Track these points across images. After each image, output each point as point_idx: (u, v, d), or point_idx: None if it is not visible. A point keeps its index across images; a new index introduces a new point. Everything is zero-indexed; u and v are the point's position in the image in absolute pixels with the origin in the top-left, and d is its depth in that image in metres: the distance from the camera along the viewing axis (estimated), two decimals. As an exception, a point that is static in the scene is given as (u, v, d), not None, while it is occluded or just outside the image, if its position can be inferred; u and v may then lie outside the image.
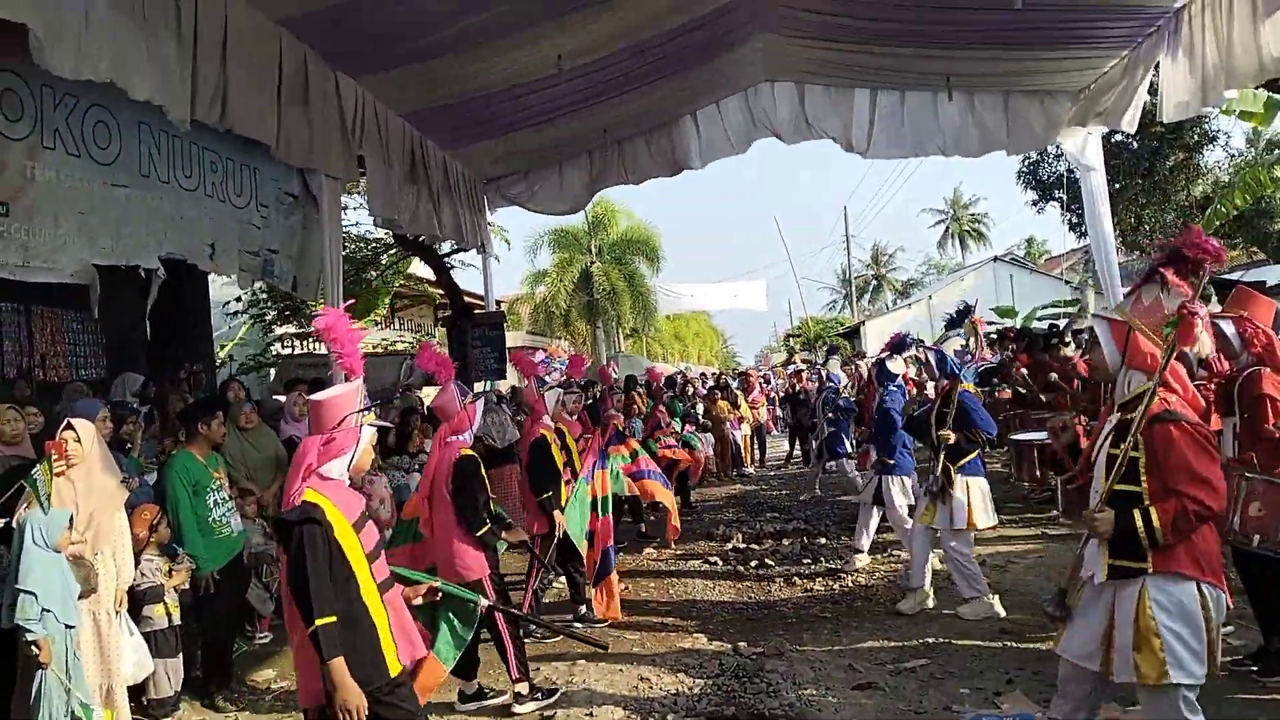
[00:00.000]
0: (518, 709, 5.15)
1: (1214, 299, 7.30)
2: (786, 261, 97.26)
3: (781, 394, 20.68)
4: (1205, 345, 4.44)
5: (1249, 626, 5.05)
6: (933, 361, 6.64)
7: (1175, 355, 3.26)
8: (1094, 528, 3.30)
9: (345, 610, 3.18)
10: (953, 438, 6.35)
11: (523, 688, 5.21)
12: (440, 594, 3.97)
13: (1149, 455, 3.24)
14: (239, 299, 13.82)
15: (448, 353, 13.77)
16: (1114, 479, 3.29)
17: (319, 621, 3.09)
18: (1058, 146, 10.78)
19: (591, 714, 4.99)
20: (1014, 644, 5.61)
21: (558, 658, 5.99)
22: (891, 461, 7.48)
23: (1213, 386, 4.98)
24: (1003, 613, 6.16)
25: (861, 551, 8.11)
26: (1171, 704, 3.18)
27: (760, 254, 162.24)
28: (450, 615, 4.37)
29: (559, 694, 5.29)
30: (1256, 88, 9.71)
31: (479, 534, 5.06)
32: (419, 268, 18.24)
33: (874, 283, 62.07)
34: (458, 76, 8.19)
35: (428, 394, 11.78)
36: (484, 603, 4.17)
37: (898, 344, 7.49)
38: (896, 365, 7.56)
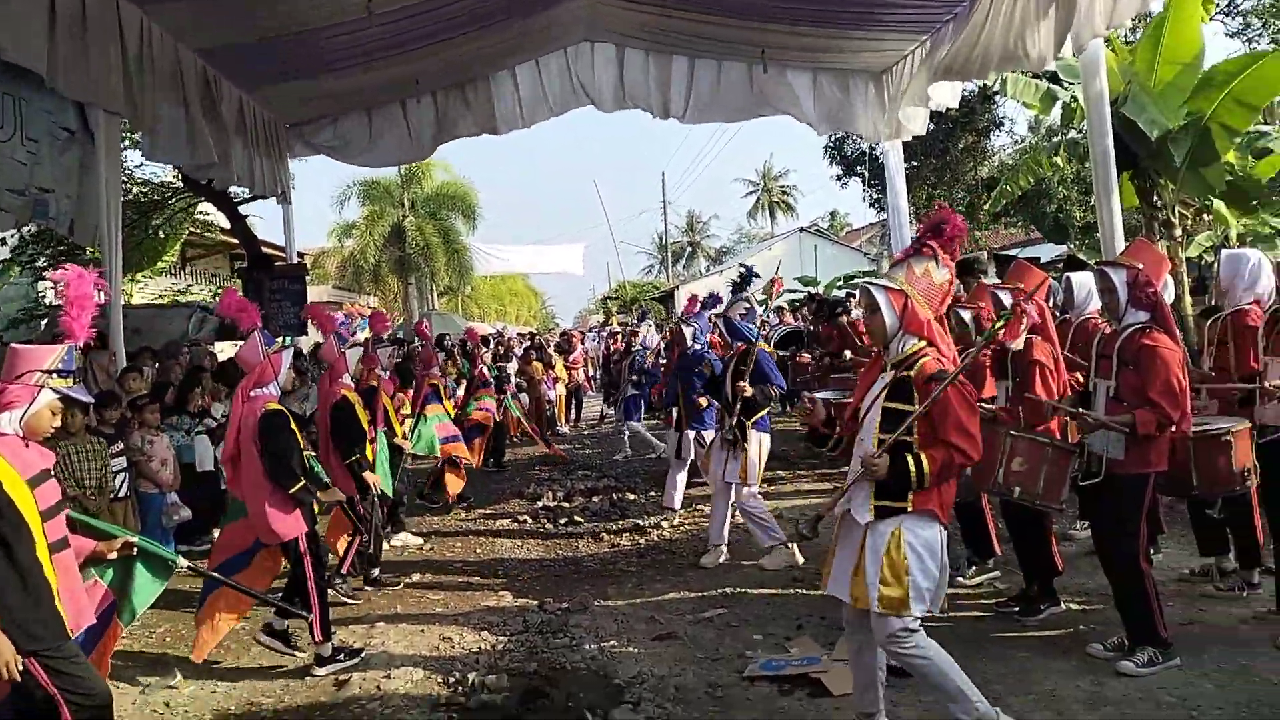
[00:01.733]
0: (318, 670, 4.96)
1: (989, 270, 7.91)
2: (605, 225, 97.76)
3: (599, 356, 20.87)
4: (1021, 344, 4.88)
5: (1015, 571, 5.54)
6: (722, 328, 6.88)
7: (989, 341, 3.63)
8: (873, 471, 3.56)
9: (15, 566, 3.04)
10: (750, 390, 6.64)
11: (325, 649, 5.01)
12: (136, 549, 3.76)
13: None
14: (2, 242, 12.46)
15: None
16: (899, 433, 3.54)
17: None
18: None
19: (389, 675, 4.87)
20: (805, 591, 5.91)
21: (356, 620, 5.83)
22: (697, 417, 7.82)
23: (988, 353, 5.39)
24: (801, 560, 6.50)
25: (674, 509, 8.34)
26: (904, 628, 3.52)
27: (579, 217, 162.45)
28: (145, 569, 3.91)
29: (362, 654, 5.15)
30: (1035, 77, 10.55)
31: (292, 491, 4.82)
32: (216, 215, 17.08)
33: (689, 249, 63.51)
34: (259, 13, 7.65)
35: (224, 350, 11.08)
36: (183, 563, 3.91)
37: (707, 302, 7.84)
38: (690, 330, 7.96)
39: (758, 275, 7.32)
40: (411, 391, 8.54)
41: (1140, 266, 4.43)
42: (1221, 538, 5.39)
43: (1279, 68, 8.87)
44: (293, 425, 4.96)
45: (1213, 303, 6.00)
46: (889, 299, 3.65)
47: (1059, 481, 4.64)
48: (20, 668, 3.01)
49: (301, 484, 4.89)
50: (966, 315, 5.40)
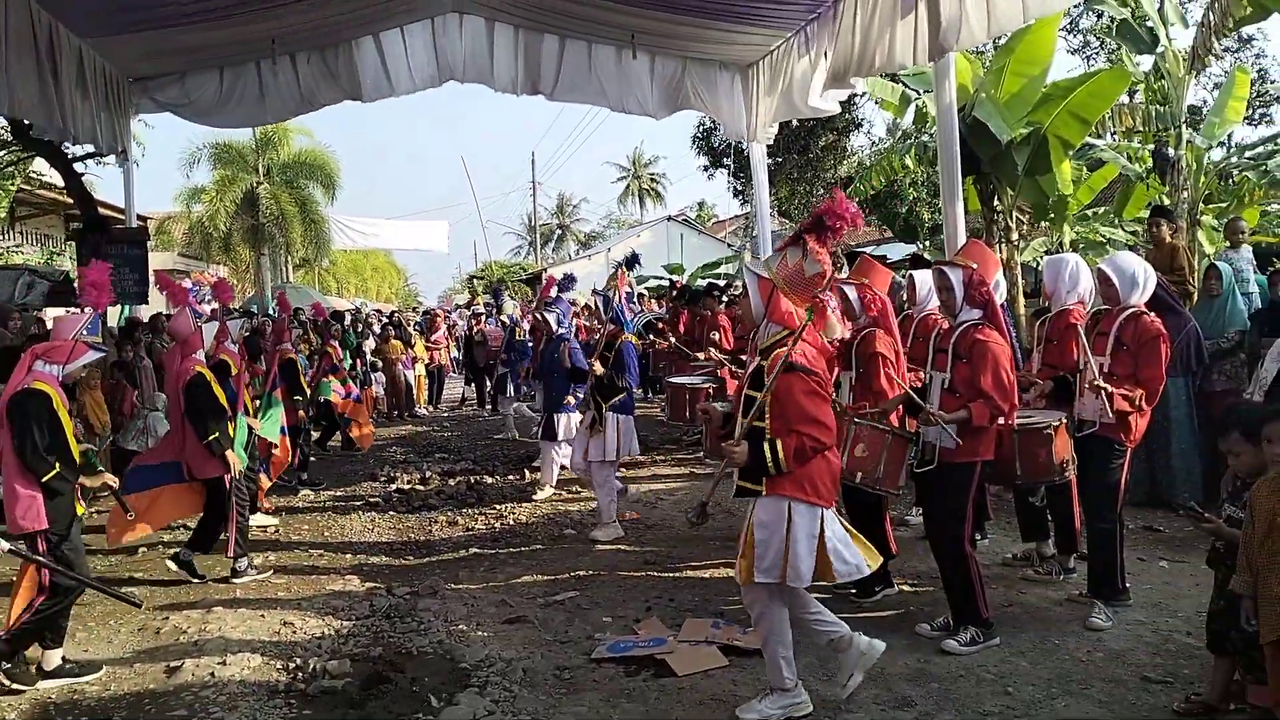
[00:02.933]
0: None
1: (845, 266, 8.22)
2: (472, 202, 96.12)
3: (462, 336, 20.52)
4: (835, 329, 5.04)
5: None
6: (599, 305, 6.95)
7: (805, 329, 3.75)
8: (732, 457, 3.76)
9: None
10: (600, 369, 6.88)
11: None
12: None
13: (774, 398, 3.71)
14: None
15: (77, 271, 12.16)
16: (751, 418, 3.75)
17: None
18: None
19: (224, 662, 4.67)
20: (655, 574, 6.01)
21: (191, 605, 5.56)
22: (563, 399, 7.95)
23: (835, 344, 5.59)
24: (622, 533, 6.90)
25: (549, 486, 8.46)
26: (759, 598, 3.81)
27: (445, 193, 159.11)
28: None
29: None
30: (893, 80, 10.99)
31: (43, 479, 4.42)
32: (49, 172, 15.84)
33: (558, 232, 63.21)
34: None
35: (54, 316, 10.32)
36: (4, 545, 3.66)
37: (563, 284, 7.95)
38: (553, 316, 8.05)
39: (640, 263, 7.56)
40: (261, 366, 8.19)
41: (975, 266, 4.68)
42: (1042, 524, 5.79)
43: (1112, 84, 9.55)
44: (54, 408, 4.51)
45: (1044, 304, 6.42)
46: (757, 285, 3.81)
47: (897, 468, 4.88)
48: None
49: (55, 472, 4.44)
50: (851, 293, 5.49)
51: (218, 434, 6.01)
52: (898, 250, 17.98)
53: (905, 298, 6.40)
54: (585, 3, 9.47)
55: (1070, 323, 5.24)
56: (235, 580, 6.12)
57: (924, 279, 6.08)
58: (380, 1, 9.66)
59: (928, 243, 15.98)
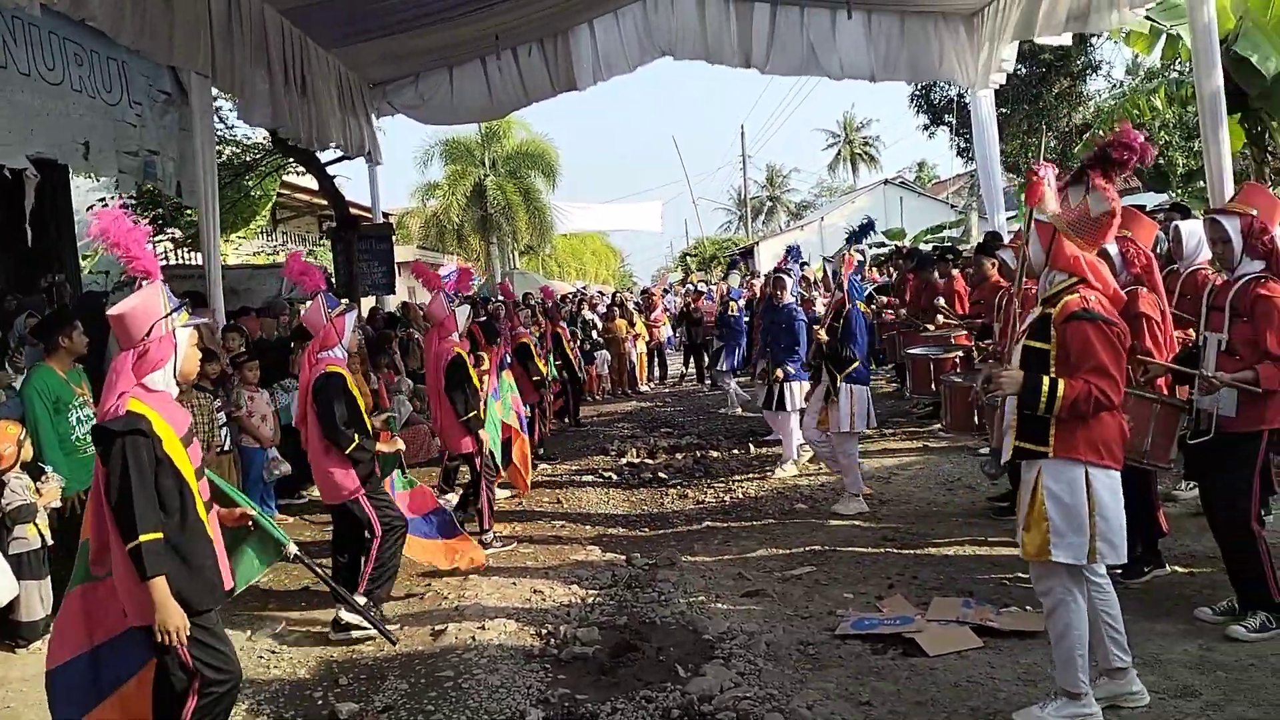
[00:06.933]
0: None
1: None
2: (683, 181, 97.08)
3: (678, 313, 20.80)
4: (1050, 203, 4.53)
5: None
6: (828, 272, 6.80)
7: (1030, 218, 3.49)
8: (1000, 383, 3.41)
9: (179, 528, 3.01)
10: (824, 336, 6.72)
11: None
12: (253, 522, 3.61)
13: (1059, 349, 3.38)
14: (103, 202, 12.94)
15: (333, 266, 13.31)
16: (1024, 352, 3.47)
17: (143, 538, 2.89)
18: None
19: (484, 627, 4.98)
20: (895, 550, 5.83)
21: (449, 573, 5.95)
22: (790, 370, 7.83)
23: None
24: (866, 508, 6.70)
25: (792, 462, 8.32)
26: (1057, 582, 3.40)
27: (656, 173, 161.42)
28: (253, 546, 3.82)
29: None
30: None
31: (346, 451, 4.90)
32: (304, 177, 17.39)
33: (769, 204, 62.61)
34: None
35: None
36: (292, 549, 3.71)
37: (794, 252, 7.83)
38: (790, 281, 7.91)
39: (874, 230, 7.33)
40: (496, 349, 8.62)
41: (1254, 213, 4.19)
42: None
43: None
44: (350, 386, 5.00)
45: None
46: (1037, 232, 3.51)
47: (1167, 440, 4.45)
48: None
49: (355, 444, 4.91)
50: (1112, 248, 5.07)
51: (475, 413, 6.41)
52: (1149, 200, 16.45)
53: (1169, 251, 5.83)
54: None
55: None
56: (485, 550, 6.51)
57: (1192, 230, 5.52)
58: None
59: (1181, 190, 14.49)
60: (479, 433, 6.47)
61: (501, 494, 8.13)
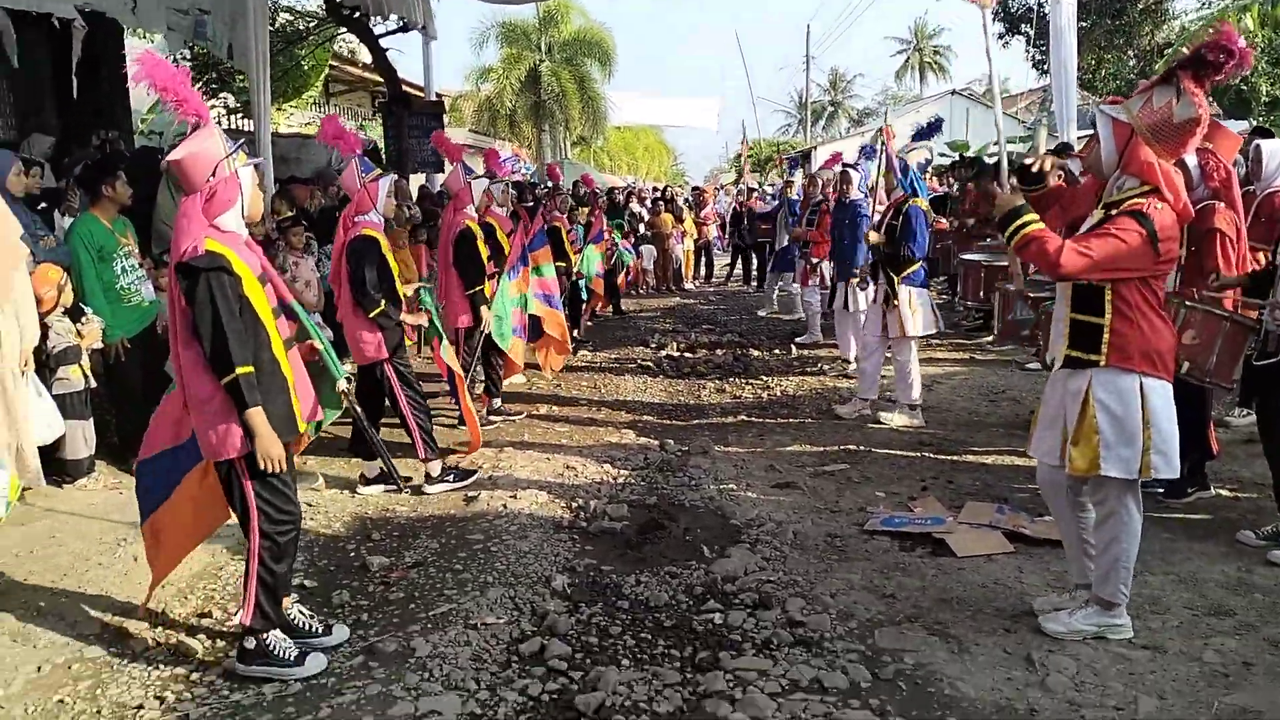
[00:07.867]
0: (427, 489, 5.17)
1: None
2: (742, 79, 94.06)
3: (729, 213, 20.44)
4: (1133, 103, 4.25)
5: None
6: (896, 167, 6.54)
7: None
8: (996, 201, 3.40)
9: (258, 364, 3.06)
10: (874, 238, 6.49)
11: (434, 468, 5.21)
12: (319, 357, 3.61)
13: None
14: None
15: (383, 142, 13.18)
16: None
17: (239, 370, 2.97)
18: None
19: (515, 496, 5.04)
20: (931, 455, 5.76)
21: (486, 444, 5.99)
22: (855, 267, 7.61)
23: None
24: (919, 422, 6.44)
25: (849, 361, 8.20)
26: (1110, 495, 3.29)
27: (715, 71, 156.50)
28: (325, 386, 3.79)
29: (474, 476, 5.32)
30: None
31: (371, 315, 4.91)
32: (356, 53, 17.12)
33: (830, 109, 60.82)
34: None
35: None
36: (342, 384, 3.73)
37: (866, 150, 7.52)
38: (857, 176, 7.75)
39: (941, 130, 7.15)
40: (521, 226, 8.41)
41: None
42: None
43: None
44: (383, 251, 4.97)
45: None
46: (1112, 130, 3.22)
47: (1232, 359, 4.28)
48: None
49: (379, 309, 4.91)
50: (1190, 159, 4.79)
51: (479, 288, 6.30)
52: (1232, 126, 15.68)
53: (1248, 172, 5.51)
54: None
55: None
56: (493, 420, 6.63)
57: (1274, 150, 5.22)
58: None
59: (1264, 118, 13.76)
60: (482, 310, 6.32)
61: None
